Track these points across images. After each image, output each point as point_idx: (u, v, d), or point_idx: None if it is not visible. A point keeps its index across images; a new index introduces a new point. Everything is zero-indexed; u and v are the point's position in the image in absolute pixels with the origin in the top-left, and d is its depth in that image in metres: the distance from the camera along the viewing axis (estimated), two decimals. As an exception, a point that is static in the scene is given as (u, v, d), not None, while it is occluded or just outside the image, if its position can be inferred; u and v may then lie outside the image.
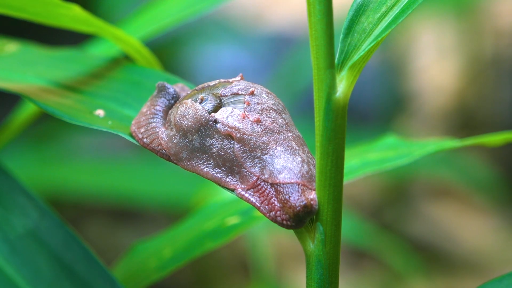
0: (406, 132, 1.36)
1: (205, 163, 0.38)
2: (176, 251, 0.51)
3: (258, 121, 0.37)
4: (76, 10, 0.44)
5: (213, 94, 0.38)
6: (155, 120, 0.40)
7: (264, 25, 1.58)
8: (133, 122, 0.41)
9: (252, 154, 0.37)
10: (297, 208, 0.36)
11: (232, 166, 0.37)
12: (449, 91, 1.51)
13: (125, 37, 0.48)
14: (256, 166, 0.37)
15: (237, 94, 0.38)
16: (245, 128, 0.37)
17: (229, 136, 0.37)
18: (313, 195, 0.36)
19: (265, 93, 0.38)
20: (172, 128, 0.39)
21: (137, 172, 1.11)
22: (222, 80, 0.39)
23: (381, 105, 1.43)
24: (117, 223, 1.27)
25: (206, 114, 0.38)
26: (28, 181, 0.55)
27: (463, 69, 1.49)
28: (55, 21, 0.46)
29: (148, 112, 0.40)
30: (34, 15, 0.46)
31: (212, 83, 0.39)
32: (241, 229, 0.50)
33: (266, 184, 0.37)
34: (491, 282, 0.39)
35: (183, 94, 0.41)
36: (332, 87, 0.35)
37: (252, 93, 0.38)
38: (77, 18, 0.45)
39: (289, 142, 0.37)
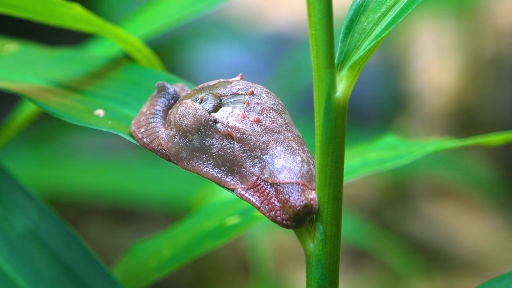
0: (406, 132, 1.36)
1: (205, 163, 0.38)
2: (176, 251, 0.51)
3: (258, 121, 0.37)
4: (77, 9, 0.44)
5: (213, 94, 0.38)
6: (155, 120, 0.40)
7: (264, 25, 1.58)
8: (133, 122, 0.41)
9: (252, 154, 0.37)
10: (297, 208, 0.36)
11: (232, 166, 0.37)
12: (449, 91, 1.51)
13: (126, 37, 0.48)
14: (256, 166, 0.37)
15: (237, 94, 0.38)
16: (245, 128, 0.37)
17: (229, 136, 0.37)
18: (313, 195, 0.36)
19: (265, 93, 0.38)
20: (172, 128, 0.39)
21: (137, 172, 1.11)
22: (222, 80, 0.39)
23: (381, 105, 1.43)
24: (117, 223, 1.27)
25: (206, 114, 0.38)
26: (28, 181, 0.55)
27: (463, 69, 1.49)
28: (56, 20, 0.46)
29: (148, 112, 0.40)
30: (35, 14, 0.46)
31: (212, 83, 0.39)
32: (241, 229, 0.50)
33: (266, 184, 0.37)
34: (491, 282, 0.39)
35: (183, 94, 0.41)
36: (332, 87, 0.35)
37: (252, 93, 0.38)
38: (78, 17, 0.45)
39: (289, 142, 0.37)
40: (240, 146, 0.37)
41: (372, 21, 0.37)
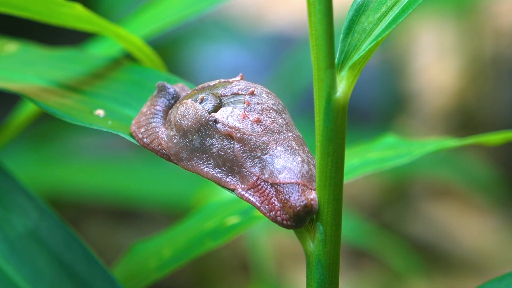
0: (406, 132, 1.36)
1: (205, 163, 0.38)
2: (175, 251, 0.51)
3: (258, 121, 0.37)
4: (79, 9, 0.44)
5: (213, 94, 0.38)
6: (155, 120, 0.40)
7: (264, 25, 1.58)
8: (133, 122, 0.41)
9: (252, 154, 0.37)
10: (297, 208, 0.36)
11: (232, 166, 0.37)
12: (449, 91, 1.51)
13: (128, 36, 0.48)
14: (256, 166, 0.37)
15: (237, 94, 0.38)
16: (245, 128, 0.37)
17: (229, 136, 0.37)
18: (313, 195, 0.36)
19: (265, 93, 0.38)
20: (172, 128, 0.39)
21: (137, 172, 1.11)
22: (222, 80, 0.39)
23: (381, 105, 1.43)
24: (117, 223, 1.27)
25: (206, 114, 0.38)
26: (28, 181, 0.55)
27: (463, 69, 1.49)
28: (57, 20, 0.46)
29: (148, 112, 0.40)
30: (36, 14, 0.46)
31: (212, 83, 0.39)
32: (241, 229, 0.50)
33: (266, 184, 0.37)
34: (491, 282, 0.39)
35: (183, 94, 0.41)
36: (332, 87, 0.35)
37: (252, 93, 0.38)
38: (79, 17, 0.45)
39: (289, 142, 0.37)
40: (240, 146, 0.37)
41: (372, 21, 0.37)
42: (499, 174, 1.31)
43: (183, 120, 0.38)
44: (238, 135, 0.37)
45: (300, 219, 0.36)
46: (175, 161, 0.39)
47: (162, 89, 0.41)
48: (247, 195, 0.37)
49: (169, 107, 0.40)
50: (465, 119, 1.47)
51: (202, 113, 0.38)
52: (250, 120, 0.37)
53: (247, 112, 0.37)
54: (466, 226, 1.31)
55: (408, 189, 1.35)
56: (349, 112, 0.37)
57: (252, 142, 0.37)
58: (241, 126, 0.37)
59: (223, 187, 0.38)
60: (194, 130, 0.38)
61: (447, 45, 1.51)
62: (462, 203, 1.35)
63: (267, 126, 0.37)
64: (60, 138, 1.18)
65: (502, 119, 1.45)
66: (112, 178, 1.09)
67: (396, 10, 0.37)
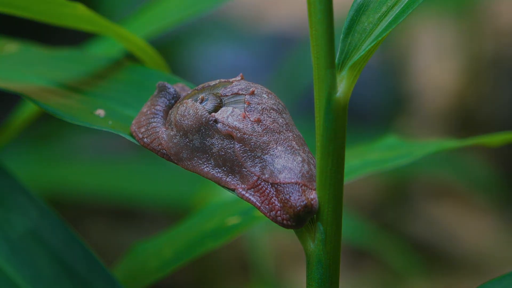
0: (406, 132, 1.36)
1: (205, 163, 0.38)
2: (176, 251, 0.51)
3: (258, 121, 0.37)
4: (81, 9, 0.44)
5: (213, 94, 0.38)
6: (155, 120, 0.40)
7: (264, 25, 1.58)
8: (133, 122, 0.41)
9: (253, 154, 0.37)
10: (298, 208, 0.36)
11: (232, 166, 0.37)
12: (449, 91, 1.51)
13: (130, 36, 0.48)
14: (256, 166, 0.37)
15: (237, 94, 0.38)
16: (246, 128, 0.37)
17: (230, 136, 0.37)
18: (313, 195, 0.36)
19: (265, 93, 0.38)
20: (172, 128, 0.39)
21: (137, 172, 1.11)
22: (223, 80, 0.39)
23: (381, 105, 1.43)
24: (118, 223, 1.27)
25: (206, 114, 0.38)
26: (28, 181, 0.55)
27: (463, 69, 1.49)
28: (59, 20, 0.46)
29: (149, 112, 0.40)
30: (38, 14, 0.46)
31: (212, 83, 0.39)
32: (241, 229, 0.50)
33: (267, 184, 0.37)
34: (491, 282, 0.39)
35: (183, 94, 0.41)
36: (332, 87, 0.35)
37: (252, 93, 0.38)
38: (81, 17, 0.45)
39: (290, 142, 0.37)
40: (241, 146, 0.37)
41: (372, 21, 0.37)
42: (499, 174, 1.31)
43: (183, 120, 0.38)
44: (239, 135, 0.37)
45: (300, 219, 0.36)
46: (176, 161, 0.39)
47: (163, 89, 0.41)
48: (247, 195, 0.37)
49: (170, 107, 0.40)
50: (465, 119, 1.47)
51: (202, 113, 0.38)
52: (250, 120, 0.37)
53: (247, 112, 0.37)
54: (466, 226, 1.31)
55: (408, 189, 1.35)
56: (349, 112, 0.37)
57: (252, 142, 0.37)
58: (241, 126, 0.37)
59: (224, 187, 0.38)
60: (195, 130, 0.38)
61: (447, 45, 1.51)
62: (462, 203, 1.35)
63: (267, 126, 0.37)
64: (60, 138, 1.18)
65: (502, 119, 1.45)
66: (112, 178, 1.09)
67: (396, 10, 0.37)
